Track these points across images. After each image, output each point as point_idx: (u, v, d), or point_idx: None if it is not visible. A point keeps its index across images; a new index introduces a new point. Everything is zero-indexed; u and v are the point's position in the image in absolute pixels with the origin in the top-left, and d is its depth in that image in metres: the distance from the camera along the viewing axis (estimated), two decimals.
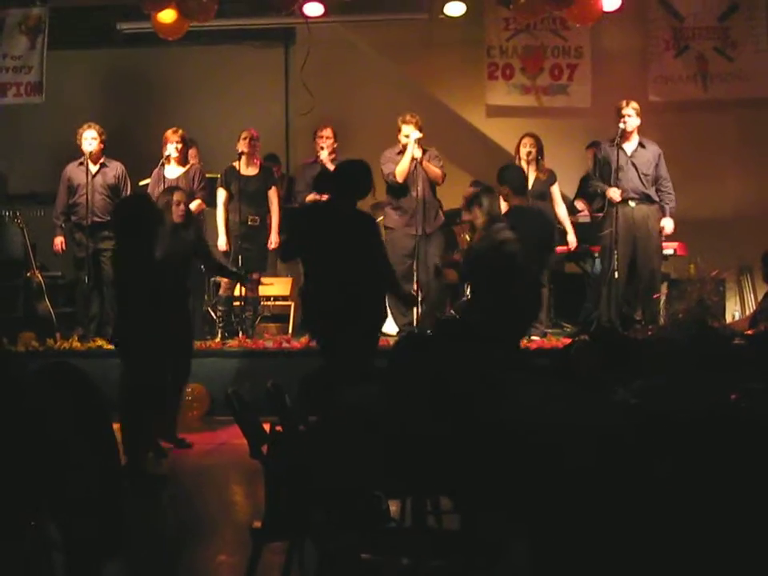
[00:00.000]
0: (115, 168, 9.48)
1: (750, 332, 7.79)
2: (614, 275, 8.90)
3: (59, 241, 9.52)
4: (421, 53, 10.96)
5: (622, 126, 8.95)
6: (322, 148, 9.53)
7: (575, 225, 9.74)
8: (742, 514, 3.33)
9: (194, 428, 8.22)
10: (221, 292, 9.68)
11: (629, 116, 8.96)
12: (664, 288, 9.25)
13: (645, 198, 9.05)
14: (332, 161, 9.33)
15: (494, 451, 3.52)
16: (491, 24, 10.57)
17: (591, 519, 3.40)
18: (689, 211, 9.62)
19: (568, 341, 6.50)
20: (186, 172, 9.32)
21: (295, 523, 4.00)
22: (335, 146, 9.61)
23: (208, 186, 9.46)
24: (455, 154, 10.43)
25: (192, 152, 9.86)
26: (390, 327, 9.32)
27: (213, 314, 9.90)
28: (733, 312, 10.39)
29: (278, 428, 4.21)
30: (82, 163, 9.38)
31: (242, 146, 9.48)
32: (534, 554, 3.57)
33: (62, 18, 10.85)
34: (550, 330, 9.52)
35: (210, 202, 9.57)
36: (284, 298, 10.28)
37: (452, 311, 10.00)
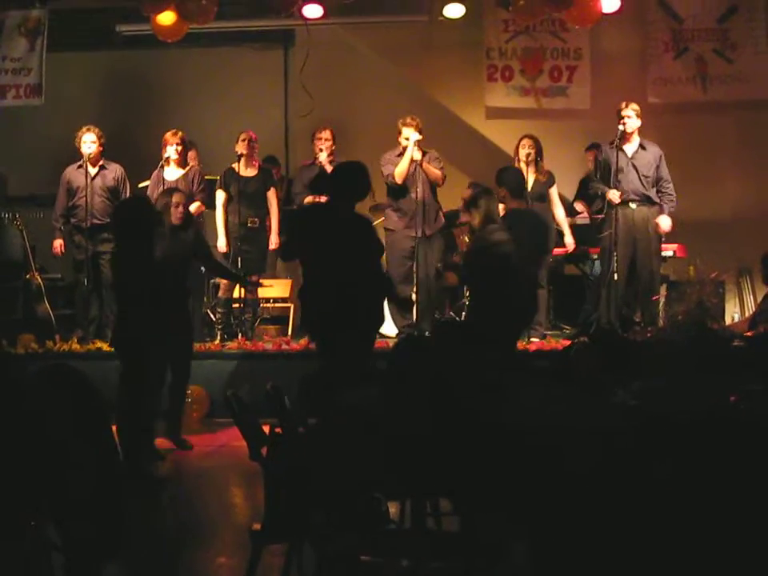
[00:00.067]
0: (114, 170, 9.48)
1: (749, 334, 7.79)
2: (613, 277, 8.90)
3: (58, 243, 9.52)
4: (420, 55, 10.96)
5: (621, 127, 8.95)
6: (321, 150, 9.53)
7: (574, 227, 9.75)
8: (742, 515, 3.33)
9: (194, 430, 8.22)
10: (220, 294, 9.69)
11: (628, 117, 8.96)
12: (663, 290, 9.24)
13: (645, 200, 9.05)
14: (330, 163, 9.32)
15: (494, 453, 3.52)
16: (490, 26, 10.57)
17: (591, 521, 3.40)
18: (688, 213, 9.63)
19: (567, 343, 6.49)
20: (186, 174, 9.32)
21: (295, 525, 4.00)
22: (334, 147, 9.61)
23: (207, 188, 9.47)
24: (454, 155, 10.43)
25: (191, 154, 9.87)
26: (390, 329, 9.32)
27: (212, 315, 9.90)
28: (732, 314, 10.39)
29: (278, 430, 4.21)
30: (81, 166, 9.38)
31: (241, 148, 9.50)
32: (533, 555, 3.58)
33: (62, 20, 10.86)
34: (549, 332, 9.53)
35: (210, 203, 9.58)
36: (283, 300, 10.28)
37: (451, 313, 10.03)
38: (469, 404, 3.68)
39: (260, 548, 4.08)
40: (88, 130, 9.36)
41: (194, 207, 9.02)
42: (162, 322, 6.83)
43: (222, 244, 9.47)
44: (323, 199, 7.17)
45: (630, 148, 9.09)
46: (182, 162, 9.36)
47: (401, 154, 9.15)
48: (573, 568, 3.42)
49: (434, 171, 9.18)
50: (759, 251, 8.84)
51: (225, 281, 9.46)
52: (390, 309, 8.53)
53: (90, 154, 9.30)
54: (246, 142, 9.52)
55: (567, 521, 3.40)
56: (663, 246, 9.29)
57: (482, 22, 10.56)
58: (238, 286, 9.40)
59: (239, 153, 9.50)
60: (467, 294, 8.83)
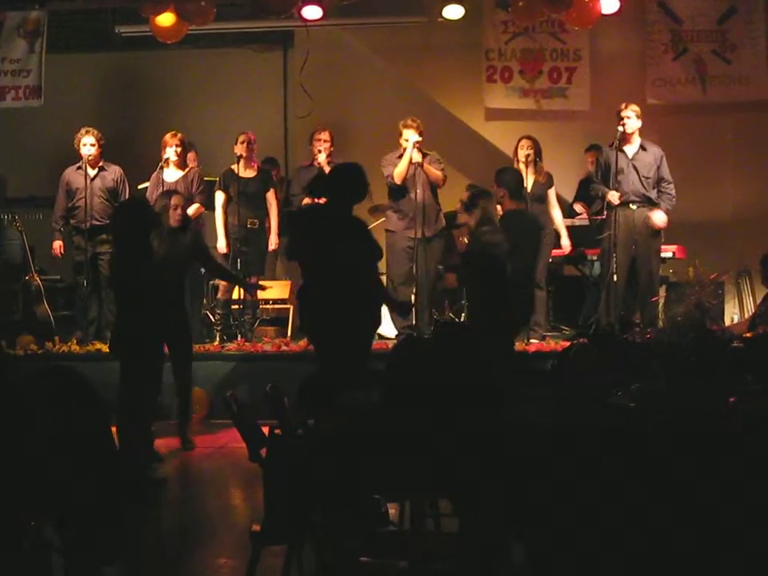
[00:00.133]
0: (114, 172, 9.48)
1: (748, 335, 7.77)
2: (612, 278, 8.89)
3: (58, 244, 9.52)
4: (419, 56, 10.96)
5: (621, 128, 8.94)
6: (320, 151, 9.52)
7: (573, 228, 9.74)
8: (742, 516, 3.33)
9: (193, 431, 8.21)
10: (219, 295, 9.69)
11: (628, 118, 8.95)
12: (662, 291, 9.24)
13: (646, 201, 9.03)
14: (329, 164, 9.32)
15: (493, 454, 3.52)
16: (490, 27, 10.57)
17: (589, 522, 3.40)
18: (687, 214, 9.63)
19: (567, 344, 6.49)
20: (185, 175, 9.33)
21: (294, 526, 4.00)
22: (332, 149, 9.61)
23: (207, 189, 9.48)
24: (454, 156, 10.42)
25: (191, 155, 9.88)
26: (389, 330, 9.32)
27: (211, 317, 9.90)
28: (731, 315, 10.39)
29: (277, 431, 4.20)
30: (80, 167, 9.38)
31: (240, 150, 9.51)
32: (532, 556, 3.58)
33: (61, 21, 10.89)
34: (548, 333, 9.52)
35: (209, 205, 9.58)
36: (283, 301, 10.28)
37: (451, 314, 10.03)
38: (468, 405, 3.68)
39: (259, 549, 4.07)
40: (87, 132, 9.36)
41: (193, 208, 9.03)
42: (160, 324, 6.83)
43: (221, 245, 9.48)
44: (322, 201, 7.15)
45: (631, 149, 9.08)
46: (182, 164, 9.37)
47: (401, 156, 9.15)
48: (572, 569, 3.42)
49: (435, 172, 9.18)
50: (759, 252, 8.84)
51: (224, 282, 9.46)
52: (389, 312, 8.53)
53: (90, 155, 9.30)
54: (245, 143, 9.53)
55: (566, 522, 3.40)
56: (663, 247, 9.28)
57: (482, 23, 10.56)
58: (237, 287, 9.40)
59: (238, 154, 9.51)
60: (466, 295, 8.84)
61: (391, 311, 8.25)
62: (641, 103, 9.33)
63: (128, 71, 12.37)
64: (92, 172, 9.39)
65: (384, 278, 9.21)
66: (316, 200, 9.22)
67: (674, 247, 9.52)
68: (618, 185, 8.96)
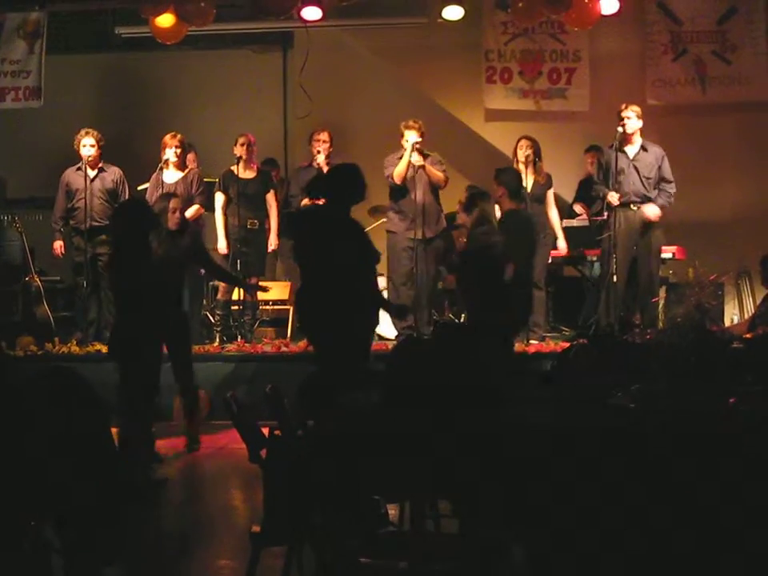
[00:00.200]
0: (113, 173, 9.48)
1: (748, 336, 7.78)
2: (612, 279, 8.89)
3: (58, 245, 9.52)
4: (419, 57, 10.96)
5: (621, 129, 8.94)
6: (319, 152, 9.52)
7: (573, 229, 9.73)
8: (742, 517, 3.33)
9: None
10: (219, 296, 9.69)
11: (628, 119, 8.94)
12: (662, 292, 9.24)
13: (646, 202, 9.02)
14: (328, 165, 9.32)
15: (493, 455, 3.52)
16: (489, 28, 10.57)
17: (589, 523, 3.40)
18: (687, 214, 9.63)
19: (566, 345, 6.49)
20: (185, 176, 9.33)
21: (294, 527, 4.00)
22: (331, 149, 9.60)
23: (206, 191, 9.47)
24: (453, 157, 10.42)
25: (190, 156, 9.88)
26: (389, 331, 9.32)
27: (211, 318, 9.90)
28: (731, 316, 10.39)
29: (277, 432, 4.20)
30: (80, 168, 9.38)
31: (239, 151, 9.51)
32: (532, 557, 3.57)
33: (61, 22, 10.88)
34: (548, 334, 9.52)
35: (209, 206, 9.58)
36: (282, 302, 10.27)
37: (450, 315, 10.03)
38: (468, 406, 3.68)
39: (259, 550, 4.07)
40: (87, 133, 9.36)
41: (193, 210, 9.03)
42: (159, 326, 6.83)
43: (222, 246, 9.48)
44: (321, 202, 7.14)
45: (632, 149, 9.07)
46: (181, 165, 9.37)
47: (402, 156, 9.16)
48: (571, 570, 3.42)
49: (437, 174, 9.18)
50: (758, 253, 8.84)
51: (224, 283, 9.46)
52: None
53: (89, 156, 9.30)
54: (245, 144, 9.52)
55: (565, 523, 3.40)
56: (663, 247, 9.27)
57: (481, 23, 10.55)
58: (237, 288, 9.40)
59: (238, 155, 9.50)
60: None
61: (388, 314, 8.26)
62: (640, 104, 9.32)
63: (128, 72, 12.37)
64: (92, 173, 9.39)
65: (384, 279, 9.23)
66: (314, 201, 9.25)
67: (673, 248, 9.52)
68: (619, 185, 8.95)
